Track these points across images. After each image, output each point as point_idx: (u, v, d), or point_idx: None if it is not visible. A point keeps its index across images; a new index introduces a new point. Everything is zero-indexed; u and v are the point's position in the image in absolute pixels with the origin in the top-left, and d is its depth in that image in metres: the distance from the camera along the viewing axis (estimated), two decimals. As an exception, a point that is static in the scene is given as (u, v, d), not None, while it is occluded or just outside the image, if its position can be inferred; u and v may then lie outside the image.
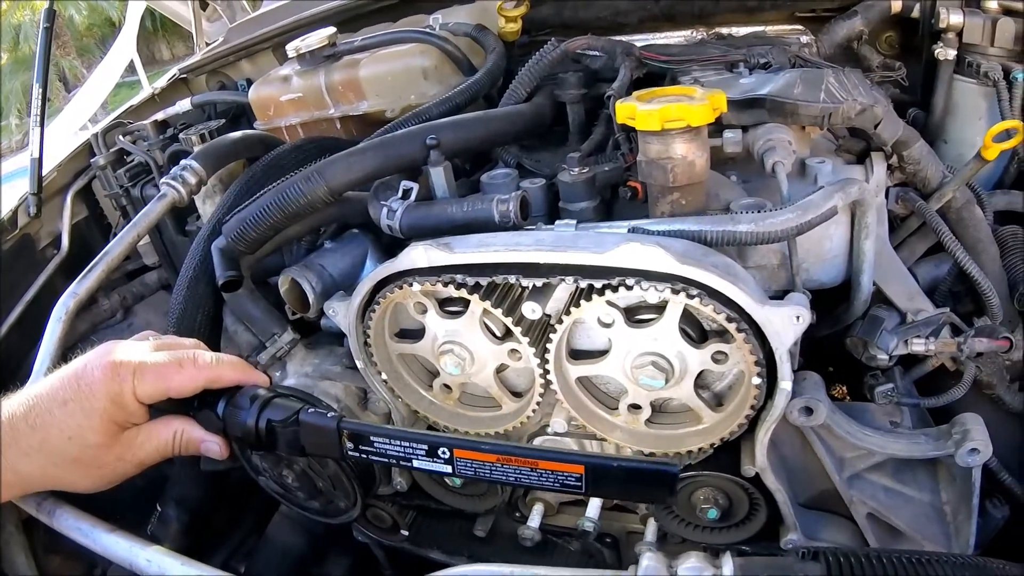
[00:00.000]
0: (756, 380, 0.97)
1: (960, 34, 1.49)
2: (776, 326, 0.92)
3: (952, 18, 1.47)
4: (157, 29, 12.71)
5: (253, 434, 0.86)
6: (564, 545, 1.40)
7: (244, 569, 1.68)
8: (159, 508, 1.60)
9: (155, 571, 0.91)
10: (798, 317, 0.92)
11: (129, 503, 1.77)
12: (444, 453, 0.79)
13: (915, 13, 1.59)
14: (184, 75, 2.22)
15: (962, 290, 1.35)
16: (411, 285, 1.04)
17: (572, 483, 0.74)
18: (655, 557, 0.73)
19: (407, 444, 0.81)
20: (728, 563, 0.70)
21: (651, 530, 1.23)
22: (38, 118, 1.79)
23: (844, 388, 1.63)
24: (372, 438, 0.83)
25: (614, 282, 0.93)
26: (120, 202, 1.91)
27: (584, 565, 1.40)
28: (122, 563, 0.95)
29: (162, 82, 2.22)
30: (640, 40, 1.64)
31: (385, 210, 1.18)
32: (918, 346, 1.12)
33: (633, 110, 1.01)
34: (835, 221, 1.15)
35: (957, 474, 1.15)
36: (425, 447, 0.80)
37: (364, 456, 0.84)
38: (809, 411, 1.06)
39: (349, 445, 0.84)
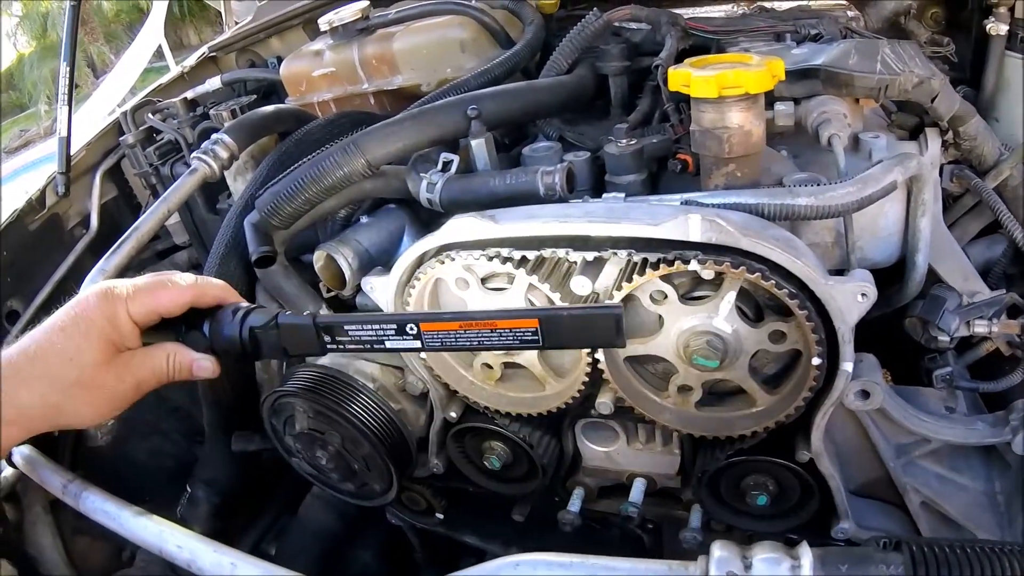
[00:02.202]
0: (816, 360, 0.91)
1: (1012, 8, 1.42)
2: (840, 303, 0.87)
3: None
4: (184, 15, 12.68)
5: (238, 344, 0.87)
6: (603, 531, 1.36)
7: (275, 550, 1.66)
8: (188, 490, 1.58)
9: (186, 556, 0.87)
10: (863, 295, 0.87)
11: (158, 486, 1.76)
12: (412, 329, 0.80)
13: (964, -13, 1.52)
14: (213, 53, 2.18)
15: (1017, 272, 1.30)
16: (454, 259, 0.99)
17: (529, 338, 0.77)
18: (727, 546, 0.68)
19: (377, 326, 0.81)
20: (807, 553, 0.65)
21: (696, 516, 1.18)
22: (65, 97, 1.76)
23: (889, 374, 1.57)
24: (346, 327, 0.83)
25: (670, 256, 0.88)
26: (150, 180, 1.88)
27: (624, 552, 1.36)
28: (151, 548, 0.92)
29: (191, 60, 2.18)
30: (682, 13, 1.58)
31: (424, 183, 1.14)
32: (981, 327, 1.07)
33: (688, 76, 0.95)
34: (890, 198, 1.09)
35: (1012, 462, 1.10)
36: (394, 326, 0.81)
37: (341, 347, 0.84)
38: (866, 394, 1.01)
39: (327, 339, 0.84)
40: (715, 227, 0.85)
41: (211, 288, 0.91)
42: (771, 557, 0.66)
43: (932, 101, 1.13)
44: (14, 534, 1.42)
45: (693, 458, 1.16)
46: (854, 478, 1.15)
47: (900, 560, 0.64)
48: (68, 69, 1.74)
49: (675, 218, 0.87)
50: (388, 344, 0.82)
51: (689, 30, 1.33)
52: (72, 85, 1.75)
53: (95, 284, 0.87)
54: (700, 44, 1.36)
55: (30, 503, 1.50)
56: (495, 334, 0.78)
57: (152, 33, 4.05)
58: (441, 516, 1.41)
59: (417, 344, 0.81)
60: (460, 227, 0.96)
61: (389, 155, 1.16)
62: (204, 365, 0.89)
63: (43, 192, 1.77)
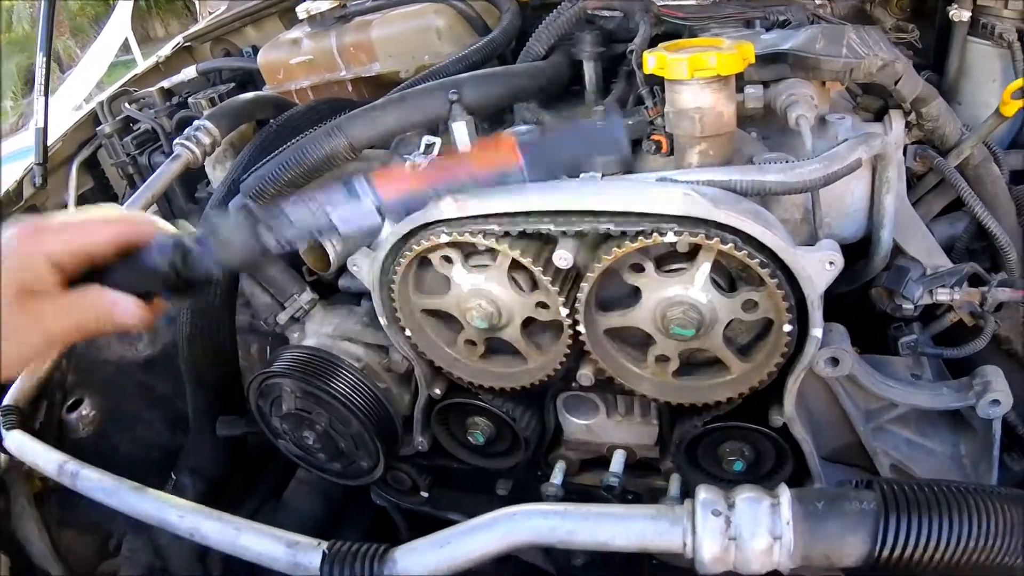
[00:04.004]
0: (787, 327, 0.97)
1: (974, -3, 1.51)
2: (808, 271, 0.92)
3: None
4: (151, 6, 12.57)
5: (167, 271, 0.75)
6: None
7: (261, 535, 1.69)
8: (174, 477, 1.60)
9: (188, 526, 0.90)
10: (831, 263, 0.92)
11: (142, 476, 1.77)
12: (362, 187, 0.77)
13: (928, -25, 1.60)
14: (189, 43, 2.19)
15: (979, 248, 1.37)
16: (439, 236, 1.03)
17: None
18: (711, 489, 0.73)
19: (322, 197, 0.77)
20: (785, 492, 0.71)
21: (675, 485, 1.23)
22: (42, 88, 1.77)
23: (858, 349, 1.64)
24: (286, 209, 0.77)
25: (648, 228, 0.93)
26: (127, 170, 1.89)
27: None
28: (151, 520, 0.95)
29: (167, 50, 2.20)
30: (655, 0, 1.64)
31: (408, 164, 1.17)
32: (943, 295, 1.13)
33: (663, 60, 1.00)
34: (856, 176, 1.16)
35: (977, 426, 1.17)
36: (342, 190, 0.78)
37: (285, 243, 0.77)
38: (836, 361, 1.07)
39: (267, 234, 0.76)
40: (690, 200, 0.90)
41: (144, 224, 0.79)
42: (752, 496, 0.71)
43: (896, 84, 1.19)
44: (4, 523, 1.43)
45: (671, 428, 1.22)
46: (826, 444, 1.21)
47: (872, 497, 0.70)
48: (44, 60, 1.75)
49: (653, 192, 0.92)
50: (337, 217, 0.76)
51: (662, 17, 1.39)
52: (48, 76, 1.76)
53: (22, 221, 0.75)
54: (672, 31, 1.41)
55: (15, 495, 1.51)
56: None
57: (118, 26, 4.03)
58: (426, 495, 1.45)
59: (373, 204, 0.77)
60: (446, 204, 1.00)
61: (372, 138, 1.20)
62: (126, 308, 0.76)
63: (20, 184, 1.78)
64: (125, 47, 4.20)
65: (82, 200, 1.93)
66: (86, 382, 1.76)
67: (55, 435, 1.70)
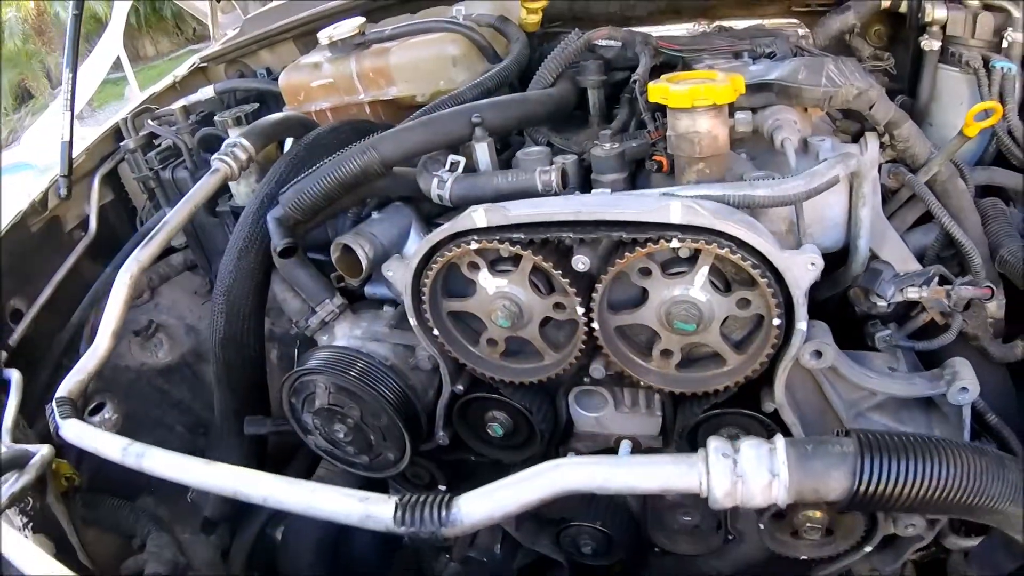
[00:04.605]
0: (776, 321, 1.16)
1: (944, 27, 1.73)
2: (794, 272, 1.12)
3: (936, 12, 1.70)
4: (141, 25, 12.80)
5: None
6: (595, 496, 1.59)
7: (281, 532, 1.84)
8: (199, 474, 1.75)
9: (261, 492, 1.06)
10: (812, 263, 1.12)
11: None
12: None
13: (903, 8, 1.82)
14: (204, 64, 2.38)
15: (948, 255, 1.57)
16: (468, 244, 1.22)
17: None
18: (719, 439, 0.91)
19: None
20: (780, 439, 0.89)
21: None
22: (68, 103, 1.94)
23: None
24: None
25: (655, 236, 1.12)
26: (149, 184, 2.06)
27: (614, 512, 1.59)
28: (223, 491, 1.10)
29: (183, 70, 2.38)
30: (650, 32, 1.85)
31: (436, 180, 1.36)
32: (913, 293, 1.32)
33: (666, 91, 1.20)
34: (835, 191, 1.36)
35: (949, 412, 1.34)
36: None
37: None
38: (819, 354, 1.25)
39: None
40: (692, 211, 1.09)
41: None
42: (754, 443, 0.89)
43: (870, 109, 1.40)
44: (48, 514, 1.57)
45: (674, 418, 1.40)
46: (813, 430, 1.38)
47: (851, 442, 0.89)
48: (71, 76, 1.92)
49: (660, 205, 1.11)
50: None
51: (660, 48, 1.59)
52: (74, 91, 1.93)
53: None
54: (669, 61, 1.62)
55: (48, 491, 1.65)
56: None
57: (110, 44, 4.19)
58: (444, 488, 1.62)
59: None
60: (477, 216, 1.19)
61: (402, 156, 1.39)
62: None
63: (45, 195, 1.94)
64: (116, 64, 4.35)
65: (102, 212, 2.08)
66: (108, 387, 1.92)
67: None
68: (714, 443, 0.90)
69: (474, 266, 1.28)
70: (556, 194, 1.29)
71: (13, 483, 1.18)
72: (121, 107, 2.44)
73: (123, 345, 2.04)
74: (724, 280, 1.21)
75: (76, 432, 1.29)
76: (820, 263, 1.12)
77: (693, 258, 1.17)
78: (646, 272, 1.19)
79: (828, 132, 1.54)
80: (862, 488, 0.85)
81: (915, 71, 1.80)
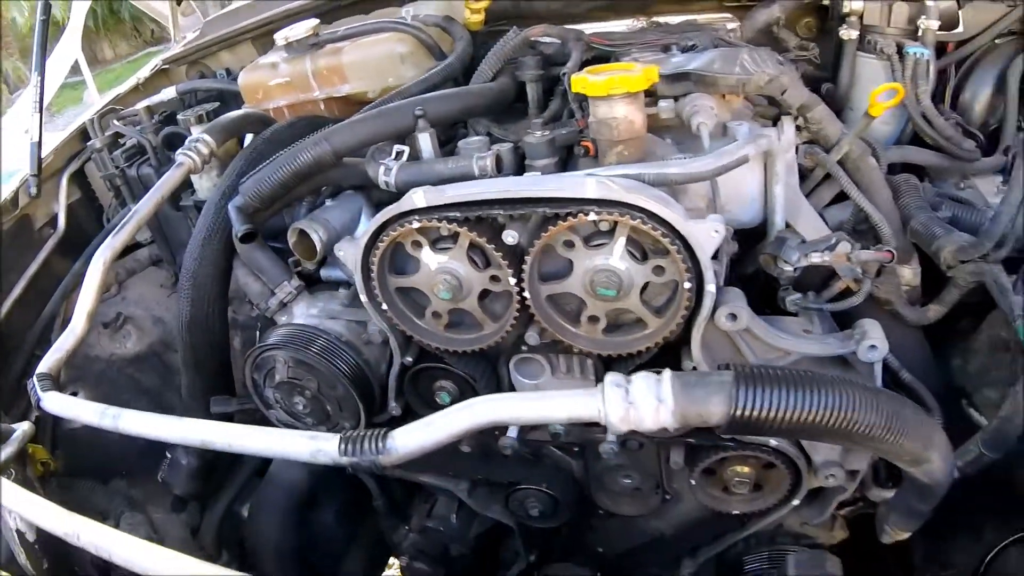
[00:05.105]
0: (687, 285, 1.33)
1: (861, 17, 1.92)
2: (699, 238, 1.28)
3: (854, 4, 1.89)
4: (99, 28, 12.90)
5: None
6: (539, 460, 1.76)
7: (248, 508, 2.00)
8: (168, 455, 1.91)
9: (224, 441, 1.21)
10: (716, 231, 1.29)
11: (130, 462, 2.07)
12: None
13: (826, 0, 2.01)
14: (166, 66, 2.53)
15: (865, 229, 1.75)
16: (411, 223, 1.39)
17: None
18: (614, 374, 1.07)
19: None
20: (667, 372, 1.05)
21: (612, 435, 1.59)
22: (37, 104, 2.09)
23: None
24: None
25: (574, 210, 1.29)
26: (115, 182, 2.21)
27: (558, 474, 1.76)
28: (193, 443, 1.26)
29: (145, 72, 2.53)
30: (588, 28, 2.03)
31: (382, 168, 1.53)
32: (816, 258, 1.48)
33: (585, 81, 1.38)
34: (750, 170, 1.55)
35: (862, 371, 1.48)
36: None
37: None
38: (734, 317, 1.42)
39: None
40: (605, 187, 1.26)
41: None
42: (643, 375, 1.05)
43: (782, 94, 1.58)
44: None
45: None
46: (731, 390, 1.57)
47: (730, 373, 1.05)
48: (39, 78, 2.07)
49: (576, 182, 1.29)
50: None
51: (591, 44, 1.77)
52: (43, 93, 2.08)
53: None
54: (601, 55, 1.80)
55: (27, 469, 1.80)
56: None
57: (69, 48, 4.29)
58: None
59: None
60: (416, 197, 1.36)
61: (352, 147, 1.55)
62: None
63: (16, 194, 2.09)
64: (74, 69, 4.46)
65: (70, 210, 2.23)
66: (79, 376, 2.06)
67: (51, 425, 2.00)
68: (610, 377, 1.07)
69: (417, 244, 1.45)
70: (491, 178, 1.47)
71: (-6, 454, 1.32)
72: (80, 111, 2.58)
73: (93, 337, 2.18)
74: (642, 250, 1.38)
75: (56, 403, 1.44)
76: (722, 231, 1.29)
77: (612, 231, 1.35)
78: (570, 244, 1.37)
79: (748, 116, 1.71)
80: (738, 412, 1.01)
81: (837, 59, 1.99)
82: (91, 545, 1.10)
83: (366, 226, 1.60)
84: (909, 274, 1.74)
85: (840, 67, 1.99)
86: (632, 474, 1.76)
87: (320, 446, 1.10)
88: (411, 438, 1.09)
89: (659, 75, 1.56)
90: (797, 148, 1.66)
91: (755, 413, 1.03)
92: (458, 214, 1.36)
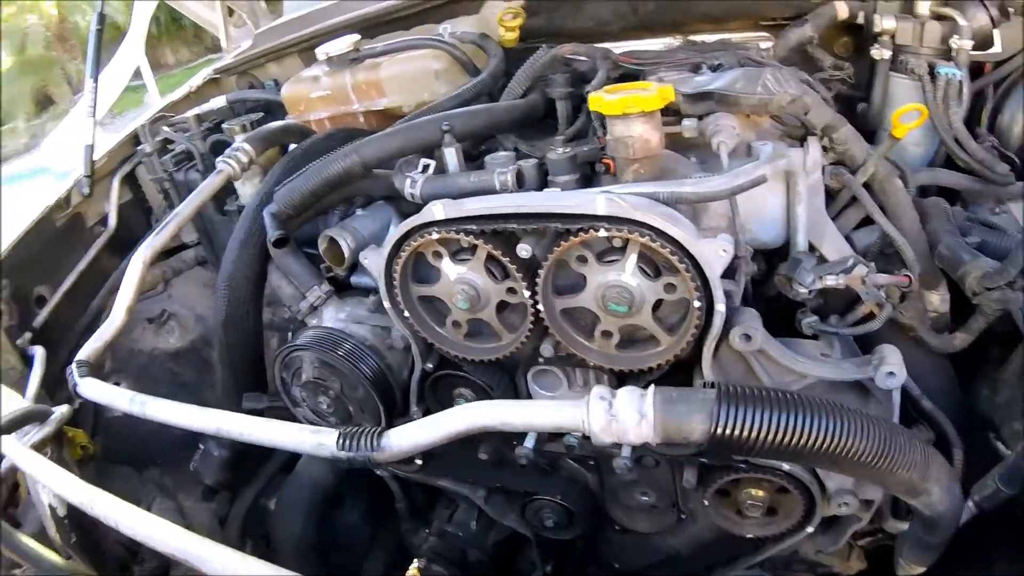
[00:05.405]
0: (697, 304, 1.37)
1: (893, 37, 1.93)
2: (708, 257, 1.32)
3: (885, 23, 1.91)
4: (161, 34, 13.52)
5: None
6: (555, 471, 1.81)
7: (275, 502, 2.10)
8: (201, 447, 2.02)
9: (238, 431, 1.31)
10: (724, 250, 1.33)
11: (167, 452, 2.19)
12: None
13: (861, 19, 2.03)
14: (218, 75, 2.68)
15: (891, 252, 1.75)
16: (431, 234, 1.47)
17: None
18: (602, 387, 1.12)
19: None
20: (651, 388, 1.10)
21: (625, 448, 1.62)
22: (92, 110, 2.25)
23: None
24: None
25: (585, 226, 1.35)
26: (163, 186, 2.36)
27: (573, 487, 1.81)
28: (208, 431, 1.36)
29: (197, 81, 2.69)
30: (622, 47, 2.08)
31: (408, 180, 1.61)
32: (831, 280, 1.49)
33: (601, 100, 1.43)
34: (771, 190, 1.58)
35: (881, 397, 1.48)
36: None
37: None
38: (748, 337, 1.45)
39: None
40: (614, 204, 1.32)
41: None
42: (629, 390, 1.10)
43: (805, 114, 1.61)
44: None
45: (619, 396, 1.62)
46: (746, 409, 1.60)
47: (713, 392, 1.09)
48: (94, 84, 2.22)
49: (587, 199, 1.34)
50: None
51: (619, 63, 1.83)
52: (96, 99, 2.23)
53: None
54: (629, 73, 1.85)
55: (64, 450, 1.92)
56: None
57: (132, 52, 4.52)
58: (420, 462, 1.85)
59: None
60: (436, 209, 1.43)
61: (381, 160, 1.64)
62: None
63: (69, 193, 2.25)
64: (136, 72, 4.70)
65: (121, 210, 2.39)
66: (123, 368, 2.20)
67: (93, 412, 2.14)
68: (597, 390, 1.12)
69: (438, 255, 1.53)
70: (511, 192, 1.54)
71: (35, 433, 1.44)
72: (141, 113, 2.75)
73: (138, 331, 2.33)
74: (654, 267, 1.43)
75: (92, 388, 1.55)
76: (731, 250, 1.32)
77: (624, 247, 1.40)
78: (583, 260, 1.42)
79: (775, 136, 1.74)
80: (719, 430, 1.04)
81: (871, 79, 2.00)
82: (110, 518, 1.21)
83: (392, 235, 1.68)
84: (936, 300, 1.74)
85: (873, 87, 2.00)
86: (648, 491, 1.79)
87: (321, 440, 1.19)
88: (405, 438, 1.17)
89: (682, 94, 1.62)
90: (824, 169, 1.68)
91: (736, 433, 1.05)
92: (475, 227, 1.43)
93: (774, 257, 1.67)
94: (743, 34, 2.19)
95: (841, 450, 1.07)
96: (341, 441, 1.17)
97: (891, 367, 1.41)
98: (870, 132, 1.98)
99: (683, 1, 2.14)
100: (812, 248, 1.64)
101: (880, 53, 1.94)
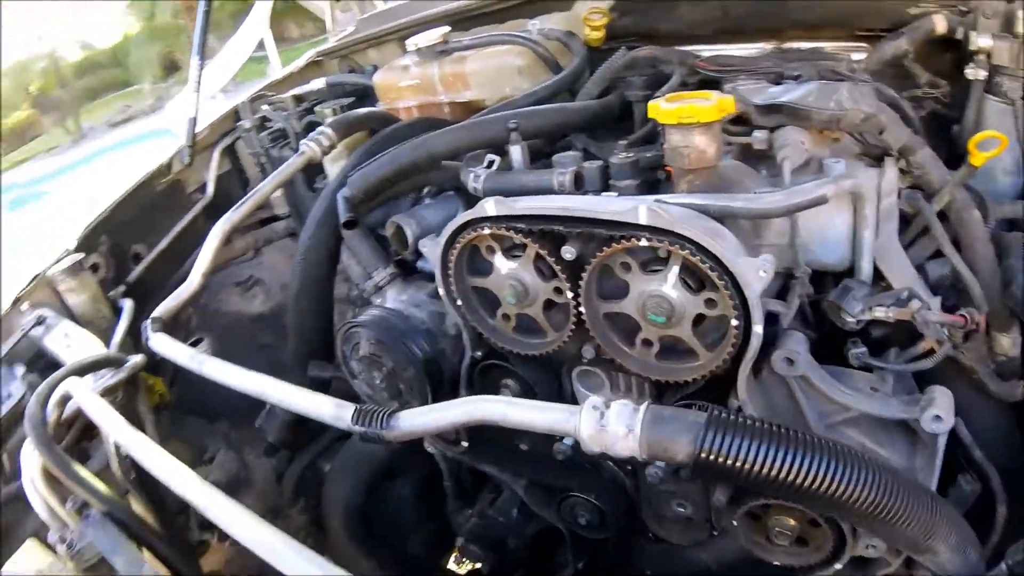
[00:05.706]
0: (734, 322, 1.38)
1: (990, 56, 1.84)
2: (747, 276, 1.33)
3: (981, 41, 1.82)
4: (288, 9, 14.22)
5: None
6: (593, 472, 1.86)
7: (329, 467, 2.25)
8: (268, 405, 2.18)
9: (279, 396, 1.44)
10: (764, 270, 1.34)
11: (239, 408, 2.37)
12: None
13: (960, 35, 1.94)
14: (320, 58, 2.85)
15: (963, 286, 1.70)
16: (483, 229, 1.54)
17: None
18: (596, 399, 1.17)
19: None
20: (646, 404, 1.14)
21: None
22: (197, 84, 2.44)
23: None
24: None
25: (627, 234, 1.39)
26: (260, 160, 2.54)
27: (609, 489, 1.86)
28: (252, 393, 1.49)
29: (300, 62, 2.87)
30: (712, 50, 2.08)
31: (472, 175, 1.70)
32: (880, 312, 1.47)
33: (657, 108, 1.46)
34: (838, 211, 1.56)
35: (927, 440, 1.44)
36: None
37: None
38: (790, 362, 1.44)
39: None
40: (656, 215, 1.35)
41: None
42: (623, 403, 1.14)
43: (880, 133, 1.57)
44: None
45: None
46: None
47: (705, 415, 1.11)
48: (199, 62, 2.42)
49: (630, 207, 1.38)
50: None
51: (697, 68, 1.84)
52: (201, 75, 2.43)
53: None
54: (708, 79, 1.86)
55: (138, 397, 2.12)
56: None
57: (256, 25, 4.82)
58: (466, 444, 1.95)
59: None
60: (487, 206, 1.51)
61: (448, 152, 1.73)
62: None
63: (170, 161, 2.46)
64: (259, 44, 5.01)
65: (219, 180, 2.59)
66: (208, 326, 2.41)
67: (173, 367, 2.34)
68: (592, 399, 1.17)
69: (491, 249, 1.60)
70: (568, 193, 1.59)
71: (110, 377, 1.62)
72: (261, 83, 2.95)
73: (224, 293, 2.54)
74: (699, 281, 1.45)
75: (160, 344, 1.73)
76: (771, 270, 1.33)
77: (668, 258, 1.43)
78: (627, 267, 1.46)
79: (852, 154, 1.69)
80: (703, 455, 1.07)
81: (965, 100, 1.92)
82: (149, 464, 1.39)
83: (455, 226, 1.77)
84: (1007, 343, 1.65)
85: (967, 109, 1.92)
86: (685, 503, 1.81)
87: (340, 413, 1.30)
88: (414, 421, 1.26)
89: (753, 105, 1.62)
90: (900, 192, 1.64)
91: (721, 459, 1.07)
92: (523, 225, 1.49)
93: (839, 280, 1.64)
94: (838, 43, 2.14)
95: (833, 493, 1.07)
96: (356, 416, 1.27)
97: (939, 410, 1.36)
98: (962, 156, 1.91)
99: (776, 3, 2.10)
100: (879, 274, 1.61)
101: (975, 73, 1.85)
